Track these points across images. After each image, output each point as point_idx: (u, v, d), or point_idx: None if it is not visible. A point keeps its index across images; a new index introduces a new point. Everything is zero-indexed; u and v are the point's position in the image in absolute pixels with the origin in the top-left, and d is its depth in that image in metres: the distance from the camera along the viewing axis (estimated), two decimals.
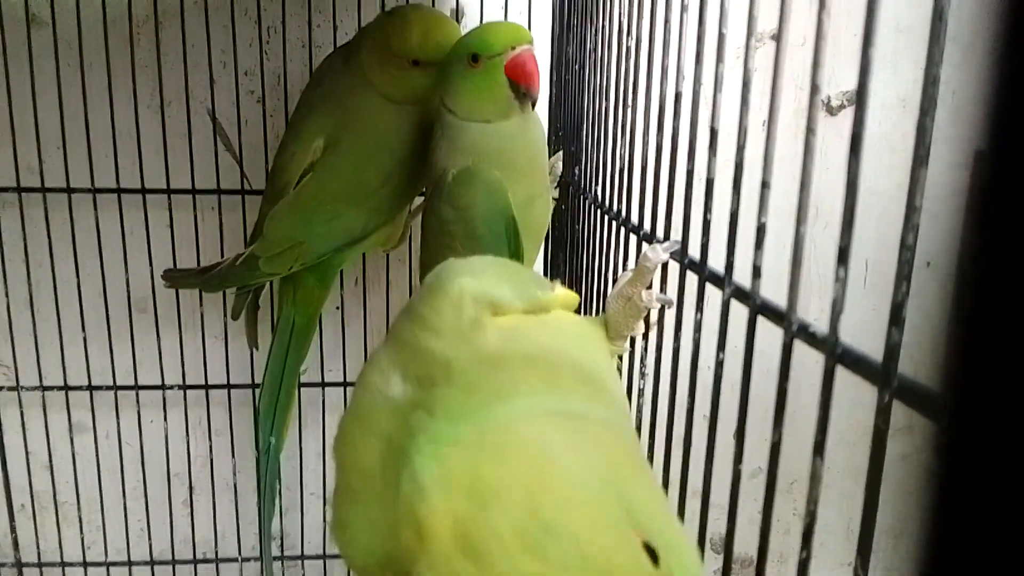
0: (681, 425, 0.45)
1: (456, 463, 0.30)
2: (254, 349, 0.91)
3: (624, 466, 0.31)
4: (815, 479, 0.28)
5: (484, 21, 0.91)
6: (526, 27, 0.77)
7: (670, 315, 0.50)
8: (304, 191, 0.77)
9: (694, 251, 0.44)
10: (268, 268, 0.79)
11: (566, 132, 0.81)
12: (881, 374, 0.25)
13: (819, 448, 0.28)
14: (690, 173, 0.44)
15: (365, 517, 0.37)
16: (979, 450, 0.11)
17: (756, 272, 0.35)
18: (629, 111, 0.55)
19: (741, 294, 0.37)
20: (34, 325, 0.93)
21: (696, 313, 0.43)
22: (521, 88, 0.66)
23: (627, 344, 0.54)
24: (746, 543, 0.36)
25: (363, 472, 0.37)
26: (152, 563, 1.01)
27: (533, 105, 0.68)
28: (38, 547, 1.01)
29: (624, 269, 0.57)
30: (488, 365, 0.37)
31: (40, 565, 1.01)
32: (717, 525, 0.39)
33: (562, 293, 0.47)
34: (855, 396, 0.30)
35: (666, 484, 0.49)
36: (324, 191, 0.77)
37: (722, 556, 0.40)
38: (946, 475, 0.12)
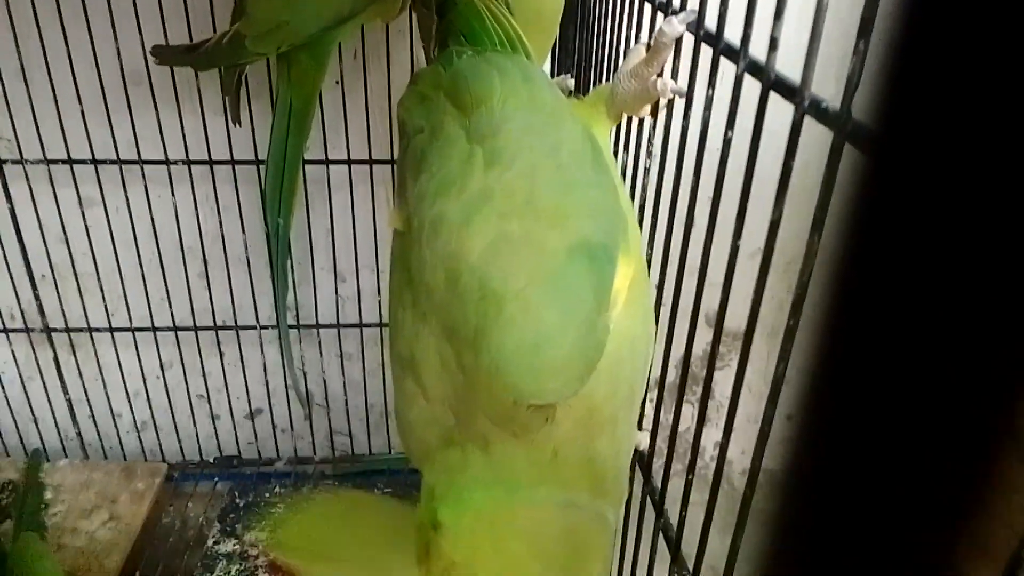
0: (684, 204, 0.45)
1: (471, 524, 0.41)
2: (237, 125, 0.89)
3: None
4: (810, 254, 0.29)
5: None
6: None
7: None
8: None
9: (711, 23, 0.42)
10: (255, 48, 0.74)
11: None
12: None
13: (818, 225, 0.28)
14: None
15: None
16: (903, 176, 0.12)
17: (773, 45, 0.34)
18: None
19: (755, 69, 0.36)
20: (30, 97, 0.91)
21: (708, 89, 0.41)
22: None
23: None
24: (739, 318, 0.38)
25: None
26: (176, 329, 1.07)
27: None
28: (64, 314, 1.06)
29: (637, 41, 0.54)
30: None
31: (68, 331, 1.06)
32: (712, 302, 0.41)
33: None
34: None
35: (665, 263, 0.51)
36: None
37: (713, 329, 0.42)
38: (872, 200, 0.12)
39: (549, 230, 0.41)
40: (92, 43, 0.88)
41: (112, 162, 0.95)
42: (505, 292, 0.40)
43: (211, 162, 0.97)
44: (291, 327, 1.09)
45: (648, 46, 0.50)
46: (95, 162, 0.95)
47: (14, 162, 0.95)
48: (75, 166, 0.95)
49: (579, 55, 0.73)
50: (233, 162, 0.97)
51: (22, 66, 0.89)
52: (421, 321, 0.45)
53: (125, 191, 0.97)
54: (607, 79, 0.63)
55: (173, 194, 0.98)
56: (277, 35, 0.74)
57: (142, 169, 0.96)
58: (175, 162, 0.96)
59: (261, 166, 0.94)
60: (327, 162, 0.99)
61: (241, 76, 0.84)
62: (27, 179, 0.96)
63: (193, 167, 0.97)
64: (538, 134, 0.47)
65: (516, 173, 0.44)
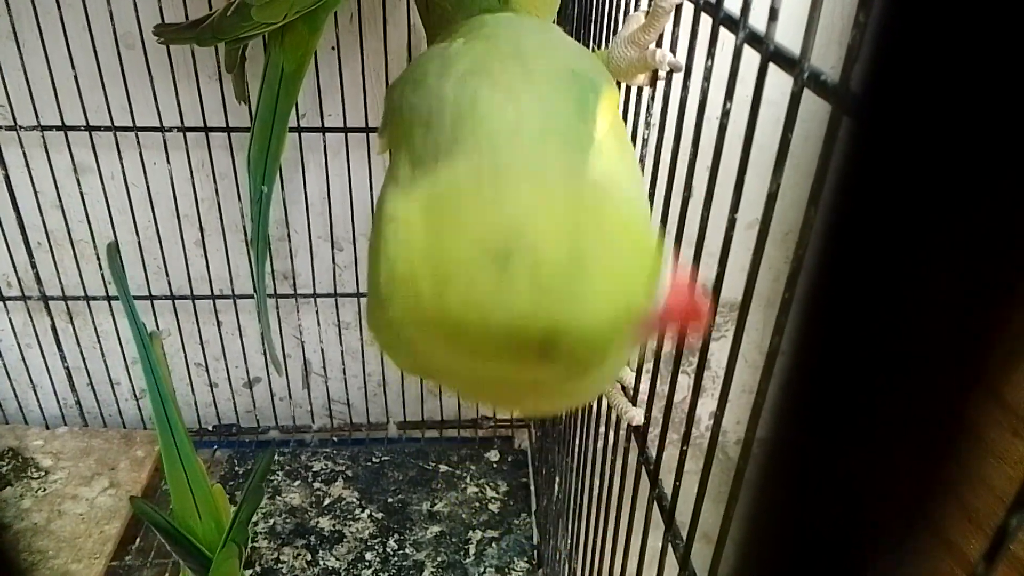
0: (682, 176, 0.45)
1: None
2: (242, 103, 0.88)
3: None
4: (807, 227, 0.29)
5: None
6: None
7: (680, 63, 0.48)
8: None
9: None
10: (261, 16, 0.72)
11: None
12: None
13: (815, 197, 0.28)
14: None
15: None
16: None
17: (773, 15, 0.33)
18: None
19: (755, 39, 0.35)
20: (22, 61, 0.90)
21: (707, 60, 0.41)
22: None
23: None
24: (735, 289, 0.38)
25: None
26: (173, 298, 1.07)
27: None
28: (60, 282, 1.06)
29: (635, 8, 0.54)
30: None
31: (65, 299, 1.06)
32: (708, 272, 0.41)
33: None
34: None
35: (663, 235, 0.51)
36: None
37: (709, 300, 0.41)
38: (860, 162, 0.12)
39: (532, 60, 0.42)
40: (84, 3, 0.87)
41: (107, 128, 0.94)
42: (480, 89, 0.39)
43: (206, 129, 0.96)
44: (288, 296, 1.09)
45: (647, 13, 0.49)
46: (89, 128, 0.94)
47: (8, 128, 0.94)
48: (69, 132, 0.95)
49: (577, 20, 0.72)
50: (228, 129, 0.96)
51: (14, 29, 0.88)
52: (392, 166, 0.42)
53: (120, 158, 0.96)
54: (605, 46, 0.62)
55: (168, 161, 0.98)
56: (285, 2, 0.72)
57: (137, 136, 0.95)
58: (170, 129, 0.95)
59: None
60: (323, 130, 0.98)
61: (244, 52, 0.82)
62: (21, 145, 0.95)
63: (188, 134, 0.96)
64: (530, 30, 0.49)
65: (501, 40, 0.44)
